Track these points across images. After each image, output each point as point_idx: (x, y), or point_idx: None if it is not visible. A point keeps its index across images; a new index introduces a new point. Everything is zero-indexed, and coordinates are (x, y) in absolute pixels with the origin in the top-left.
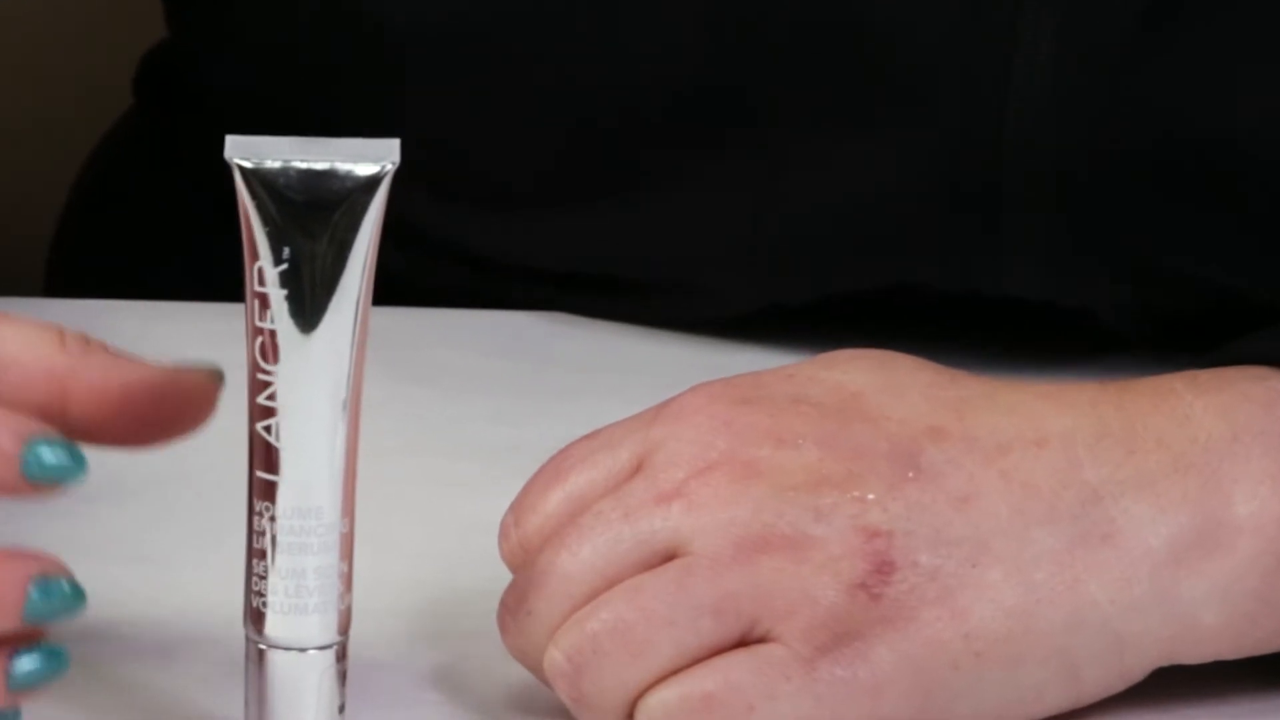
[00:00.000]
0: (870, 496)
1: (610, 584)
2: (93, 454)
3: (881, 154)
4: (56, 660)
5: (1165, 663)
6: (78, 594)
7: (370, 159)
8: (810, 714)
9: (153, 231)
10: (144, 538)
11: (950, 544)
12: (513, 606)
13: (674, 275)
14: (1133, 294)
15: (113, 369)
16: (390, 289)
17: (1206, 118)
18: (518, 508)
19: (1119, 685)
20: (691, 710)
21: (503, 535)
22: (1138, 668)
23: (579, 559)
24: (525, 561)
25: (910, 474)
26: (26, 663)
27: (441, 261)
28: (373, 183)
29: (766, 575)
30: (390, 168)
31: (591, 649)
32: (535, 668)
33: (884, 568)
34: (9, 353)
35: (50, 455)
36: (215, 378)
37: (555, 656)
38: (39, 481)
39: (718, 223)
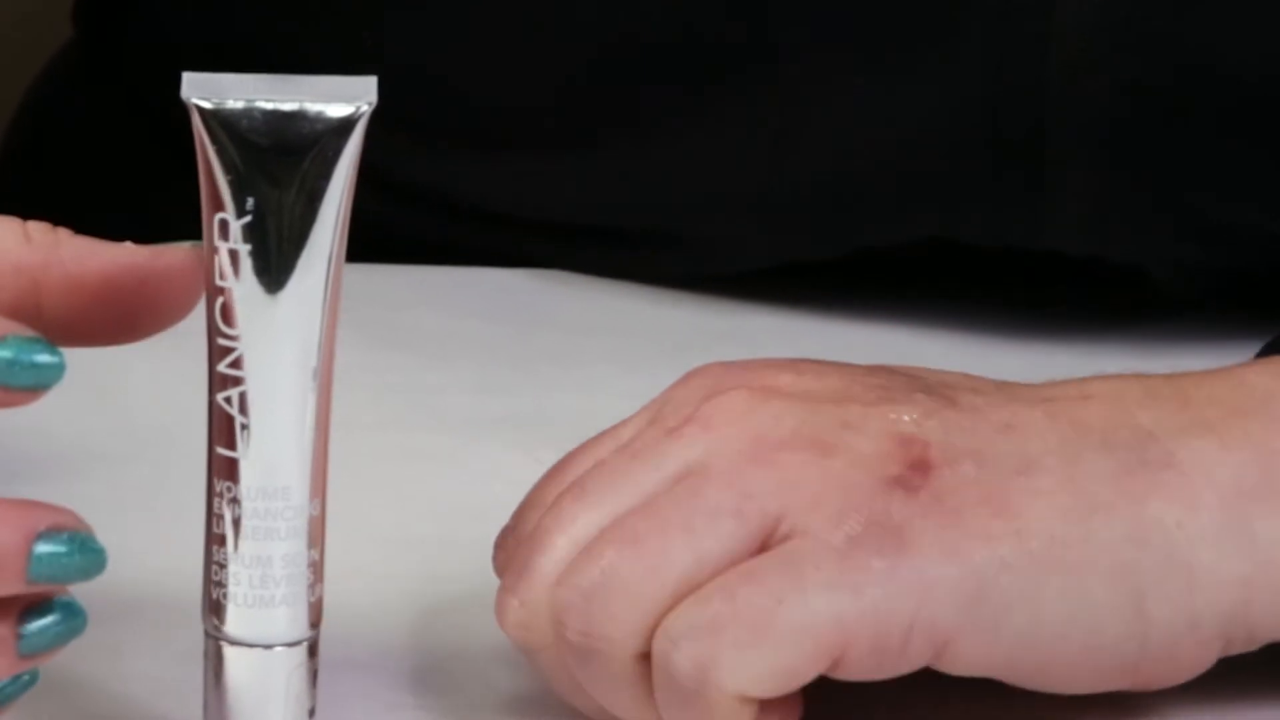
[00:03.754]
0: (905, 418)
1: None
2: (29, 429)
3: (911, 92)
4: (72, 617)
5: (1241, 611)
6: (94, 552)
7: (344, 98)
8: (849, 609)
9: (98, 181)
10: (89, 522)
11: (994, 460)
12: (511, 585)
13: (683, 226)
14: (1188, 248)
15: (88, 255)
16: (363, 241)
17: (1268, 53)
18: (516, 519)
19: (1188, 639)
20: (714, 623)
21: (498, 548)
22: (1209, 614)
23: (584, 501)
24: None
25: (948, 405)
26: (39, 623)
27: (422, 210)
28: (347, 125)
29: (790, 469)
30: (366, 108)
31: (601, 572)
32: (539, 644)
33: (921, 466)
34: None
35: (21, 352)
36: (199, 254)
37: (562, 593)
38: (13, 387)
39: (731, 168)
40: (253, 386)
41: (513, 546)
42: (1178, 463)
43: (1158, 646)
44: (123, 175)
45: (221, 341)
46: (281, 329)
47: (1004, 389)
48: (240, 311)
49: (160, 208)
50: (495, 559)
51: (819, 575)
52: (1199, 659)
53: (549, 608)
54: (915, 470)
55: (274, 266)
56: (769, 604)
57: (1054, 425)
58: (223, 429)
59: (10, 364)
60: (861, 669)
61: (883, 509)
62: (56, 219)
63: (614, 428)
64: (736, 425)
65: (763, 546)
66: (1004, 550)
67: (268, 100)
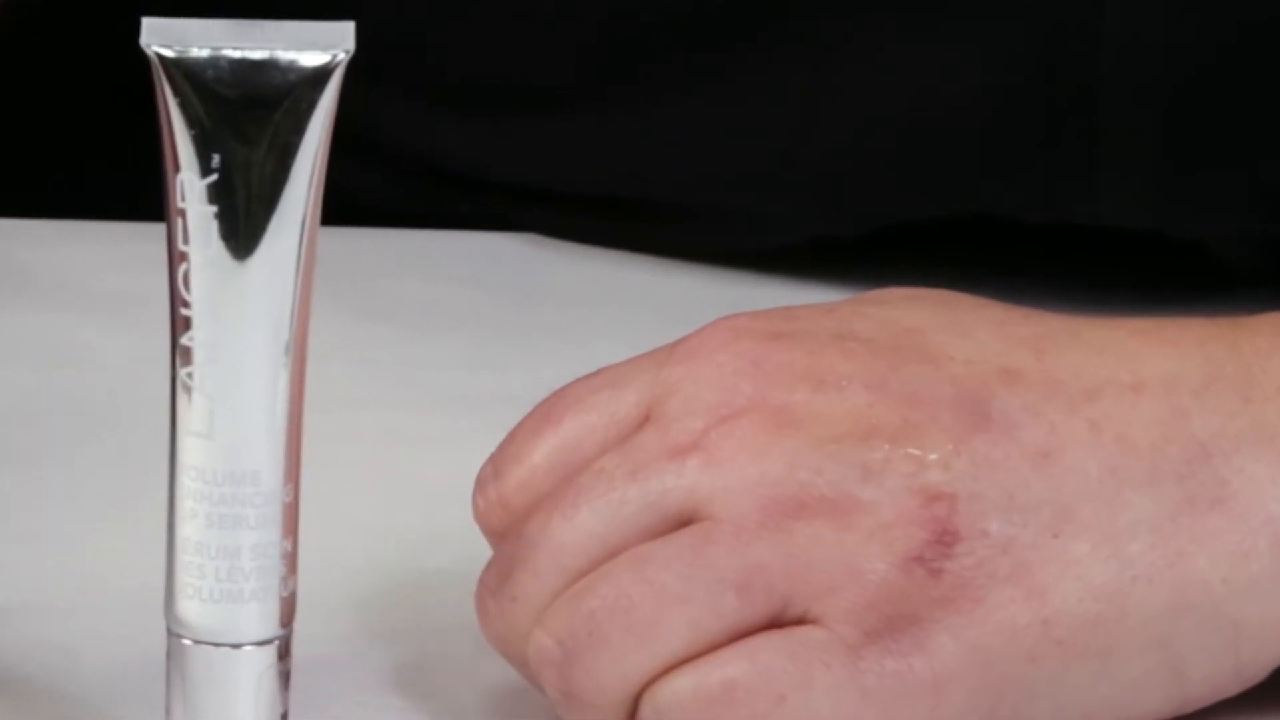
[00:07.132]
0: (932, 456)
1: (612, 555)
2: None
3: (951, 52)
4: None
5: None
6: None
7: (319, 46)
8: (854, 712)
9: (53, 135)
10: (41, 511)
11: (1027, 509)
12: (494, 586)
13: (701, 198)
14: (1257, 220)
15: None
16: (343, 212)
17: None
18: (499, 457)
19: (1233, 686)
20: (710, 701)
21: (478, 489)
22: (1255, 664)
23: (575, 525)
24: (505, 523)
25: (979, 425)
26: None
27: (411, 178)
28: (322, 75)
29: (803, 544)
30: (343, 57)
31: (587, 631)
32: (520, 659)
33: (945, 538)
34: None
35: None
36: None
37: (543, 641)
38: None
39: (753, 136)
40: (219, 361)
41: (498, 513)
42: (1230, 495)
43: (1198, 700)
44: (79, 128)
45: (185, 312)
46: (251, 298)
47: (1043, 366)
48: (205, 279)
49: (119, 164)
50: (476, 504)
51: (828, 675)
52: (1244, 688)
53: (530, 647)
54: (940, 543)
55: (242, 230)
56: (770, 702)
57: (1097, 445)
58: (186, 408)
59: None
60: None
61: (901, 595)
62: (8, 177)
63: (611, 377)
64: (747, 468)
65: (768, 624)
66: (1029, 642)
67: (235, 48)
